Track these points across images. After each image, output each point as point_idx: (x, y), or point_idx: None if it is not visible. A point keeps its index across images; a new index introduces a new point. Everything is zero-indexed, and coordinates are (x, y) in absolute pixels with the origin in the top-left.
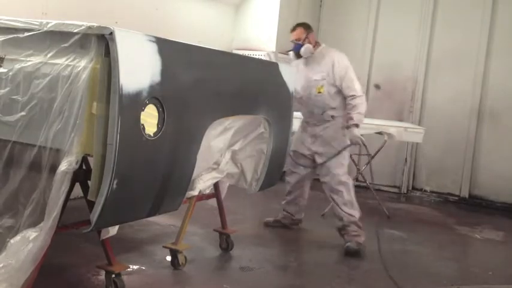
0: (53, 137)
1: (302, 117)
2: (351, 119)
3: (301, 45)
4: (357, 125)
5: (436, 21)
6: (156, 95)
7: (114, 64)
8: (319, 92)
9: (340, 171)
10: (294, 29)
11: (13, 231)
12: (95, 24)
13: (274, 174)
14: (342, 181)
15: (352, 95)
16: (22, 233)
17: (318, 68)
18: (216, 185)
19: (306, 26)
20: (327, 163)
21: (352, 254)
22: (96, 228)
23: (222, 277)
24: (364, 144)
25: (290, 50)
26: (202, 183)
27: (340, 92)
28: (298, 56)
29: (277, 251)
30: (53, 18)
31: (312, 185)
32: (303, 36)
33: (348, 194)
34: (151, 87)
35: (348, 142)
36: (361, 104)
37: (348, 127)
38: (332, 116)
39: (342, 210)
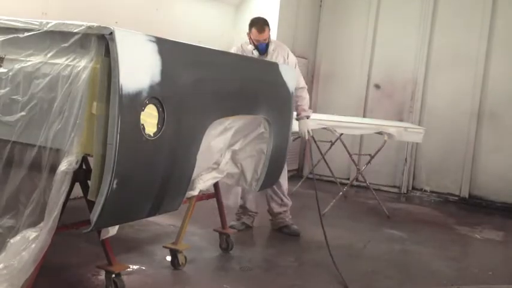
0: (53, 137)
1: None
2: (304, 110)
3: (267, 44)
4: (308, 117)
5: (436, 21)
6: (156, 95)
7: (114, 64)
8: None
9: None
10: (263, 29)
11: (13, 231)
12: (95, 24)
13: (274, 174)
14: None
15: (303, 87)
16: (22, 233)
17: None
18: (216, 185)
19: (268, 23)
20: None
21: (297, 235)
22: (96, 228)
23: (222, 277)
24: (314, 140)
25: (255, 49)
26: (202, 183)
27: None
28: (262, 54)
29: (277, 251)
30: (53, 18)
31: (313, 185)
32: (269, 35)
33: (286, 182)
34: (151, 87)
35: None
36: (307, 96)
37: (300, 118)
38: None
39: (285, 196)
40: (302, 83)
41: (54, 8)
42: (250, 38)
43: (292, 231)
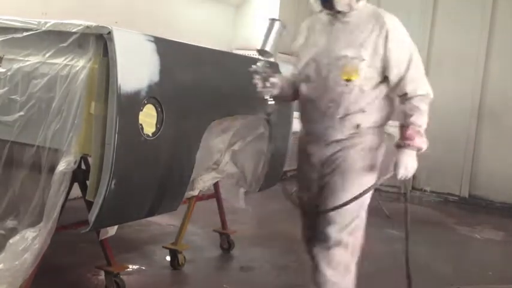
0: (51, 137)
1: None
2: (419, 134)
3: None
4: (419, 149)
5: (436, 21)
6: (155, 95)
7: (112, 64)
8: (349, 80)
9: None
10: None
11: (15, 232)
12: (93, 24)
13: (274, 174)
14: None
15: (421, 95)
16: (21, 233)
17: (352, 37)
18: (216, 185)
19: None
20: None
21: None
22: (95, 229)
23: (222, 277)
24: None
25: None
26: (202, 183)
27: (381, 84)
28: (327, 7)
29: (277, 251)
30: (53, 18)
31: None
32: None
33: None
34: (150, 87)
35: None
36: (426, 113)
37: (402, 146)
38: (358, 126)
39: None
40: (421, 89)
41: (54, 8)
42: None
43: None
